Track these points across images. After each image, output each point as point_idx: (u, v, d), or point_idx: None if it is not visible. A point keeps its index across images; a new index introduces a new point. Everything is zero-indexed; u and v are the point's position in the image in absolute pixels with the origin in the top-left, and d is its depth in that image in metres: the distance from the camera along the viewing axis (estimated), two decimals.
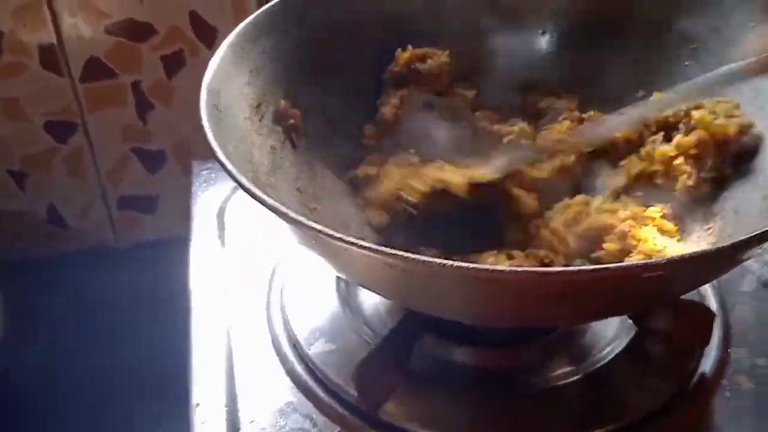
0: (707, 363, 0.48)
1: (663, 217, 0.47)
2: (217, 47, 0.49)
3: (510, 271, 0.32)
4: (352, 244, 0.32)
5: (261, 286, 0.56)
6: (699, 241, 0.46)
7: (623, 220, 0.46)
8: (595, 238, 0.47)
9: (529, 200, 0.51)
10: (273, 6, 0.53)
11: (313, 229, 0.34)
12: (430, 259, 0.32)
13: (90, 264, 0.92)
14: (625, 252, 0.45)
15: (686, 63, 0.52)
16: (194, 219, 0.63)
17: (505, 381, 0.47)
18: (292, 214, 0.34)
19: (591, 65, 0.57)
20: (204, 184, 0.67)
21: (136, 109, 0.85)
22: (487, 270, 0.31)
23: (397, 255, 0.32)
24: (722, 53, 0.50)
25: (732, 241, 0.32)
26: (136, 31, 0.80)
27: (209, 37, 0.82)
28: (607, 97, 0.55)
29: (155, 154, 0.88)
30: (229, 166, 0.38)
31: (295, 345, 0.50)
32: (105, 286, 0.90)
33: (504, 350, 0.49)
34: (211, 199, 0.65)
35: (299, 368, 0.49)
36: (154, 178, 0.90)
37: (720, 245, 0.32)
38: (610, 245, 0.46)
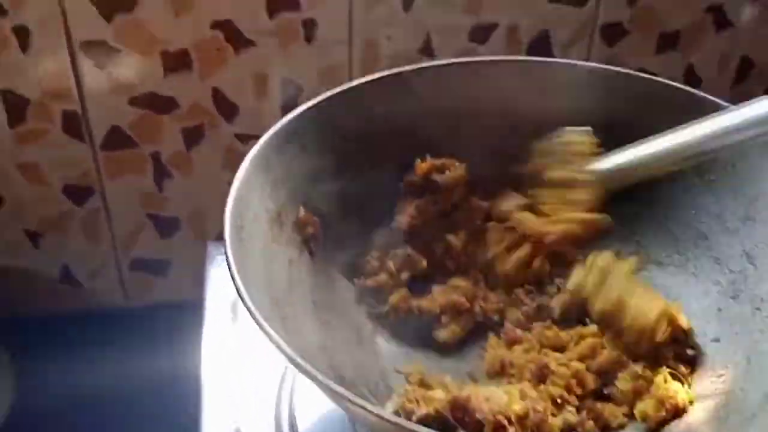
0: None
1: (675, 357, 0.47)
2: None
3: None
4: (378, 416, 0.32)
5: (271, 390, 0.56)
6: (711, 387, 0.46)
7: None
8: (608, 373, 0.47)
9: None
10: (300, 114, 0.53)
11: (340, 394, 0.34)
12: None
13: (99, 323, 0.92)
14: (638, 394, 0.45)
15: None
16: (206, 310, 0.63)
17: None
18: (320, 377, 0.34)
19: None
20: (218, 267, 0.68)
21: (154, 177, 0.86)
22: None
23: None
24: None
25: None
26: (159, 104, 0.81)
27: (230, 112, 0.82)
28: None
29: (170, 220, 0.89)
30: (259, 316, 0.37)
31: None
32: (111, 348, 0.89)
33: None
34: (226, 287, 0.65)
35: None
36: (168, 243, 0.91)
37: None
38: (622, 383, 0.46)
